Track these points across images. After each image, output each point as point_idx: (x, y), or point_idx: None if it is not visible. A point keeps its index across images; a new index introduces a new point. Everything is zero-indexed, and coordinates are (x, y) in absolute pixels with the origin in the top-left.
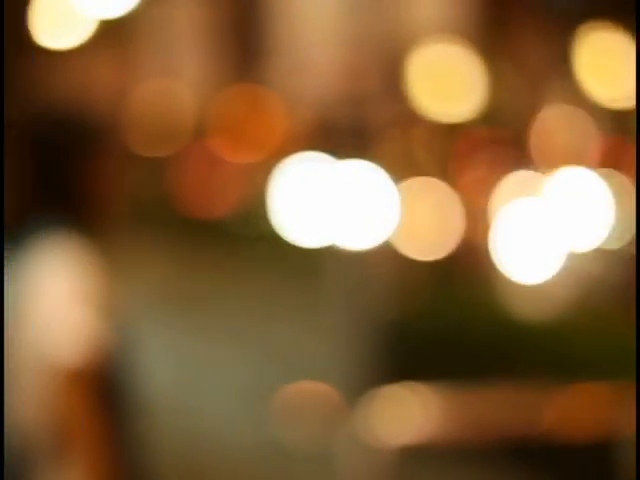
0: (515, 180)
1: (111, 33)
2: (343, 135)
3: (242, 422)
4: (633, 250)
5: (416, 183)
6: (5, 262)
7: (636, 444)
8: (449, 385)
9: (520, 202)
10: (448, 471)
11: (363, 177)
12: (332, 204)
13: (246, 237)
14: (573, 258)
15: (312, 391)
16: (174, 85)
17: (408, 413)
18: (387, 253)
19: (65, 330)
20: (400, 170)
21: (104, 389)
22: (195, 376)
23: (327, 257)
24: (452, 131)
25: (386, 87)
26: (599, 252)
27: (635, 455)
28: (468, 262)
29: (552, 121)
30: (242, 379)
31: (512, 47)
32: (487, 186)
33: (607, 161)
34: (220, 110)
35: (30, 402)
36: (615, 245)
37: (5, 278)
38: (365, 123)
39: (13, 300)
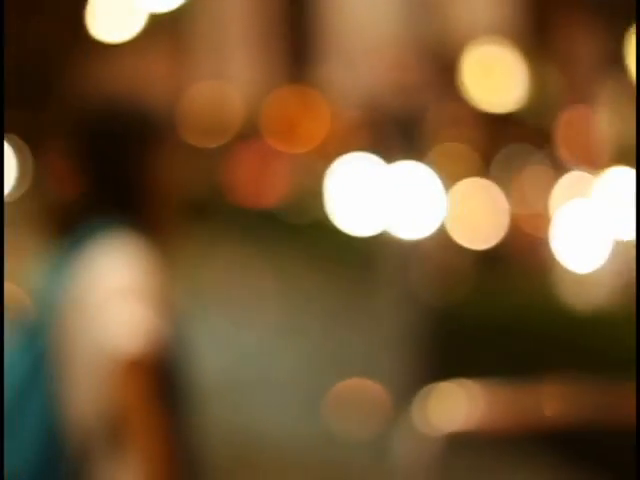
0: (565, 180)
1: (165, 28)
2: (394, 134)
3: (295, 416)
4: None
5: (469, 182)
6: (59, 257)
7: (636, 443)
8: (499, 380)
9: (570, 200)
10: (497, 460)
11: (414, 174)
12: (383, 195)
13: (299, 227)
14: (621, 247)
15: (363, 387)
16: (226, 81)
17: (458, 408)
18: (439, 243)
19: (123, 323)
20: (453, 168)
21: (161, 381)
22: (247, 368)
23: (379, 247)
24: (502, 130)
25: (438, 87)
26: None
27: (636, 454)
28: (519, 252)
29: (597, 120)
30: (295, 373)
31: (561, 47)
32: (537, 181)
33: None
34: (271, 106)
35: (88, 395)
36: None
37: (64, 272)
38: (416, 123)
39: (72, 295)
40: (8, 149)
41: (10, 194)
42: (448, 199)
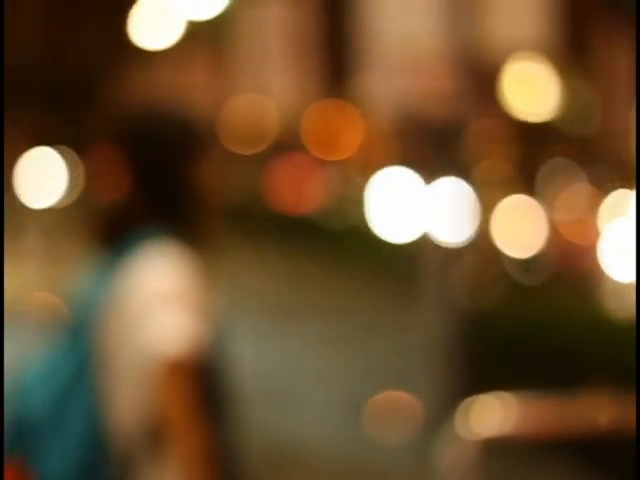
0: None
1: (205, 38)
2: (432, 146)
3: (333, 424)
4: None
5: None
6: (101, 264)
7: (636, 445)
8: (537, 392)
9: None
10: (530, 465)
11: (452, 186)
12: (421, 205)
13: (337, 234)
14: None
15: (400, 399)
16: (265, 92)
17: (495, 417)
18: (480, 252)
19: (165, 327)
20: (495, 183)
21: (203, 384)
22: (285, 376)
23: (417, 255)
24: (542, 144)
25: (476, 100)
26: None
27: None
28: (560, 262)
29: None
30: (333, 382)
31: (597, 63)
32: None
33: None
34: (310, 116)
35: (130, 399)
36: None
37: (109, 278)
38: (455, 135)
39: (116, 299)
40: (59, 158)
41: (61, 201)
42: (491, 212)
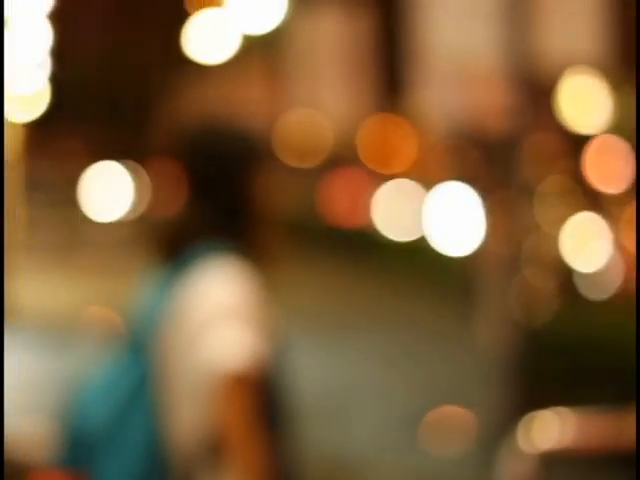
0: None
1: (260, 52)
2: (488, 161)
3: (389, 441)
4: None
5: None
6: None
7: (636, 447)
8: (595, 407)
9: None
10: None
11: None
12: (479, 219)
13: (395, 247)
14: None
15: (457, 415)
16: (319, 107)
17: (553, 432)
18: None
19: (226, 342)
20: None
21: (262, 399)
22: (342, 390)
23: (476, 268)
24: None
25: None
26: None
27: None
28: (628, 281)
29: None
30: (389, 398)
31: None
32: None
33: None
34: (364, 131)
35: (190, 412)
36: None
37: (169, 292)
38: (512, 150)
39: (176, 314)
40: (125, 172)
41: (127, 215)
42: (554, 226)
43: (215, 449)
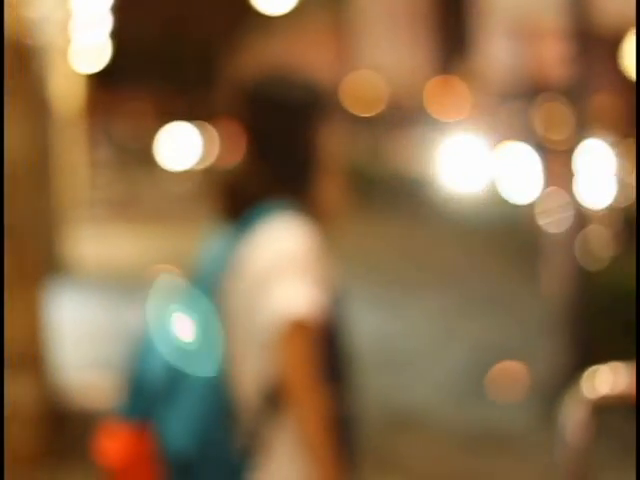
0: None
1: (324, 5)
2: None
3: (451, 394)
4: None
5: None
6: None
7: (636, 443)
8: None
9: None
10: None
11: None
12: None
13: (458, 197)
14: None
15: (518, 369)
16: (381, 67)
17: (610, 384)
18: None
19: (288, 291)
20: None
21: (323, 348)
22: (404, 344)
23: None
24: None
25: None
26: None
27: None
28: None
29: None
30: (451, 351)
31: None
32: None
33: None
34: (426, 91)
35: (253, 361)
36: None
37: (232, 246)
38: (581, 106)
39: (239, 265)
40: (195, 132)
41: (196, 165)
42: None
43: (277, 398)
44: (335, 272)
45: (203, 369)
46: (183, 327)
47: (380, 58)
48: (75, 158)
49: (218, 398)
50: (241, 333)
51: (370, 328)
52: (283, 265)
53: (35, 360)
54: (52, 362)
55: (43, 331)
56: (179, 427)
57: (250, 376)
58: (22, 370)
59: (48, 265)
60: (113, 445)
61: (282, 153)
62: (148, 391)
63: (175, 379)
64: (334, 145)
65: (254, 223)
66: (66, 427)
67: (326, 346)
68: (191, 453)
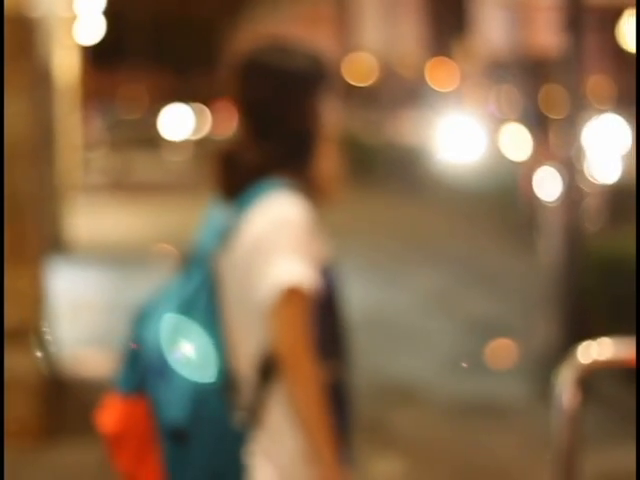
0: None
1: None
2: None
3: (445, 369)
4: None
5: None
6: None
7: (636, 445)
8: None
9: None
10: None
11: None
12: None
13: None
14: None
15: (512, 346)
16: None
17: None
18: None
19: (279, 259)
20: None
21: (315, 318)
22: (399, 320)
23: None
24: None
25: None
26: None
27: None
28: None
29: None
30: (446, 329)
31: None
32: None
33: None
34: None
35: (247, 329)
36: None
37: (229, 220)
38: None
39: (234, 236)
40: (189, 111)
41: (191, 135)
42: None
43: (271, 368)
44: (329, 247)
45: (197, 334)
46: (176, 299)
47: (377, 40)
48: (73, 132)
49: (212, 368)
50: (236, 303)
51: (364, 303)
52: (277, 235)
53: (35, 334)
54: (52, 336)
55: (43, 305)
56: (172, 398)
57: (246, 346)
58: (22, 343)
59: (48, 241)
60: (109, 416)
61: (279, 125)
62: (143, 363)
63: (167, 347)
64: (333, 116)
65: (250, 199)
66: (67, 399)
67: (319, 318)
68: (184, 423)
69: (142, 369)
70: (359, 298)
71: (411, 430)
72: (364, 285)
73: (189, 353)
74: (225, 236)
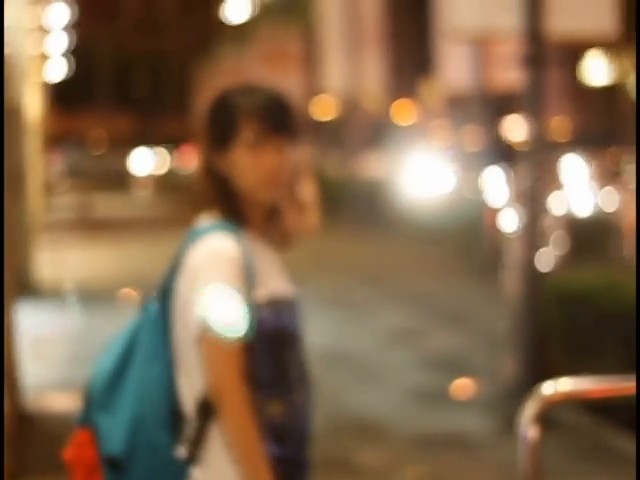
0: None
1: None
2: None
3: (407, 408)
4: None
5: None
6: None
7: (636, 445)
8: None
9: None
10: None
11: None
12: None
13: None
14: None
15: (474, 385)
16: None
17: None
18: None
19: (210, 300)
20: None
21: (249, 359)
22: (360, 357)
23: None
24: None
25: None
26: None
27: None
28: None
29: None
30: (410, 370)
31: None
32: None
33: None
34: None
35: (190, 364)
36: None
37: (184, 254)
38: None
39: (182, 269)
40: (154, 153)
41: (154, 171)
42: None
43: (210, 401)
44: (288, 281)
45: (136, 374)
46: (130, 337)
47: (343, 77)
48: (39, 171)
49: (154, 401)
50: (181, 338)
51: (327, 339)
52: (207, 267)
53: (8, 377)
54: (22, 380)
55: (13, 349)
56: (111, 429)
57: (189, 380)
58: None
59: (16, 282)
60: (68, 451)
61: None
62: (90, 396)
63: (114, 384)
64: (303, 155)
65: (198, 232)
66: (33, 436)
67: (265, 351)
68: (120, 454)
69: (89, 402)
70: (322, 334)
71: (375, 464)
72: (327, 321)
73: (130, 387)
74: (172, 270)
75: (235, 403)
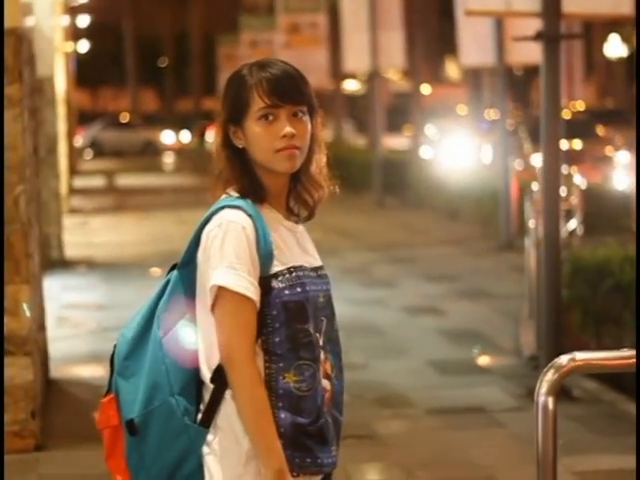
0: None
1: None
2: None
3: (429, 379)
4: None
5: None
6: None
7: (636, 446)
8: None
9: None
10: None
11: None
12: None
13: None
14: None
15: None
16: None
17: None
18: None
19: (222, 261)
20: None
21: (259, 317)
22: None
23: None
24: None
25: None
26: None
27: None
28: None
29: None
30: (430, 342)
31: None
32: None
33: None
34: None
35: (206, 328)
36: None
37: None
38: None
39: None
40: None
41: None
42: None
43: (223, 372)
44: (313, 254)
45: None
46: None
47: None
48: (68, 140)
49: (168, 367)
50: (200, 302)
51: (350, 311)
52: (219, 240)
53: (35, 345)
54: (48, 348)
55: (40, 318)
56: (129, 396)
57: (204, 345)
58: (20, 355)
59: (44, 254)
60: (96, 416)
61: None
62: (113, 365)
63: (134, 351)
64: (320, 129)
65: (219, 206)
66: (66, 405)
67: (284, 323)
68: (138, 420)
69: (113, 369)
70: (345, 307)
71: (397, 434)
72: (350, 294)
73: (148, 354)
74: (193, 242)
75: (245, 371)
